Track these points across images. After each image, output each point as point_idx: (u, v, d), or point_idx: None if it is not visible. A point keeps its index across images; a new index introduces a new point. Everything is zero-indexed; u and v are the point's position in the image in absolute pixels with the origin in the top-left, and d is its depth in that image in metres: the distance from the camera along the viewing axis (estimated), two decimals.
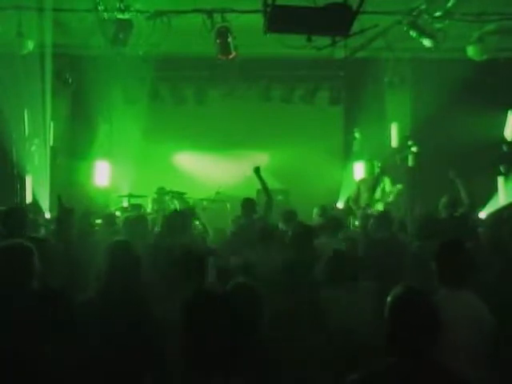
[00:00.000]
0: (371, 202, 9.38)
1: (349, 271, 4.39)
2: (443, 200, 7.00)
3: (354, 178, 11.17)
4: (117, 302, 3.22)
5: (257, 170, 7.31)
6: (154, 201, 10.79)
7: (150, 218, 9.08)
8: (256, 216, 7.10)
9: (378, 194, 9.55)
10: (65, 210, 3.90)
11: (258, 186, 7.66)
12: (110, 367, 3.06)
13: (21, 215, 5.46)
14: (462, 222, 6.47)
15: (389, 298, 2.51)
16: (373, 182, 9.52)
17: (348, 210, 9.91)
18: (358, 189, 9.77)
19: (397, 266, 5.29)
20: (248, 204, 7.25)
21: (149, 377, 3.25)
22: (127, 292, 3.25)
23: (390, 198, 9.57)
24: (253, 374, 2.44)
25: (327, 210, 8.06)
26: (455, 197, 7.10)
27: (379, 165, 9.68)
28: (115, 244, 3.57)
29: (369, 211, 8.52)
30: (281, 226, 6.94)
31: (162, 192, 10.83)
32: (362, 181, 9.92)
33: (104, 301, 3.25)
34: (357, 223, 8.44)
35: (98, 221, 7.64)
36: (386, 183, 9.70)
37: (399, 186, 9.57)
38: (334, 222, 6.67)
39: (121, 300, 3.23)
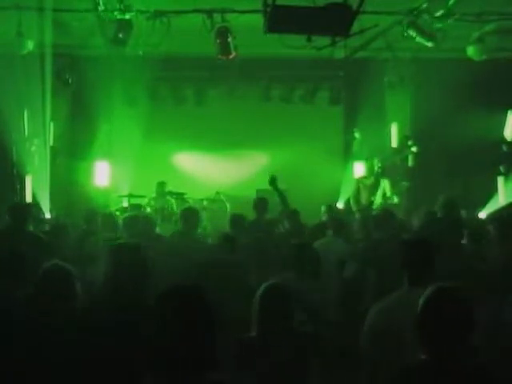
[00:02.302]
0: (372, 201, 9.38)
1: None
2: (440, 200, 7.01)
3: (354, 178, 11.18)
4: (121, 305, 3.16)
5: (273, 182, 6.97)
6: (154, 200, 10.79)
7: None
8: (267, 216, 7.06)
9: (378, 196, 9.55)
10: None
11: (258, 186, 7.63)
12: (111, 368, 3.04)
13: (25, 210, 5.96)
14: (457, 222, 6.43)
15: (421, 298, 2.52)
16: (372, 181, 9.51)
17: (348, 209, 9.90)
18: (358, 187, 9.76)
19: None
20: (260, 203, 7.17)
21: (149, 377, 3.23)
22: (132, 296, 3.18)
23: (395, 200, 9.54)
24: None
25: (333, 209, 8.05)
26: (452, 197, 7.10)
27: (379, 165, 9.67)
28: (119, 247, 3.47)
29: (370, 211, 8.52)
30: (285, 224, 6.94)
31: (162, 189, 10.81)
32: (361, 179, 9.91)
33: (108, 304, 3.19)
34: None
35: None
36: (386, 186, 9.68)
37: (405, 184, 9.47)
38: (337, 222, 6.66)
39: (126, 304, 3.16)
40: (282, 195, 6.97)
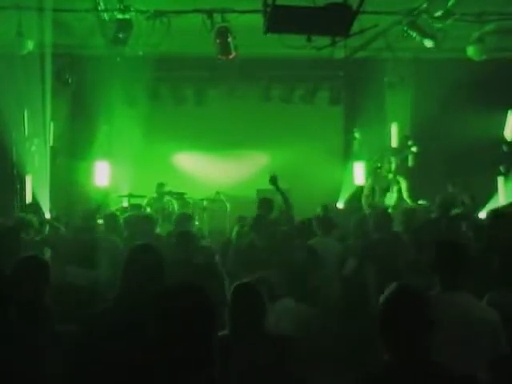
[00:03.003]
0: (385, 202, 9.37)
1: None
2: (437, 200, 7.03)
3: (354, 178, 11.19)
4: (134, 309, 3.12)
5: (273, 180, 6.85)
6: (154, 200, 10.79)
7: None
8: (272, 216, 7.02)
9: (393, 197, 9.53)
10: None
11: (258, 186, 7.61)
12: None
13: None
14: (454, 223, 6.44)
15: (381, 298, 2.51)
16: (389, 181, 9.51)
17: (350, 208, 9.86)
18: (373, 188, 9.75)
19: (397, 266, 5.29)
20: (266, 203, 7.12)
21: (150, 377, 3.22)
22: (145, 300, 3.14)
23: (409, 202, 9.52)
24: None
25: (328, 210, 8.06)
26: (449, 198, 7.11)
27: (393, 164, 9.67)
28: (136, 249, 3.43)
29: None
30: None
31: (162, 189, 10.82)
32: (377, 180, 9.90)
33: (120, 309, 3.16)
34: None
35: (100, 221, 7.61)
36: (403, 186, 9.65)
37: (424, 203, 9.31)
38: (326, 222, 6.68)
39: (138, 307, 3.12)
40: (283, 194, 6.93)
